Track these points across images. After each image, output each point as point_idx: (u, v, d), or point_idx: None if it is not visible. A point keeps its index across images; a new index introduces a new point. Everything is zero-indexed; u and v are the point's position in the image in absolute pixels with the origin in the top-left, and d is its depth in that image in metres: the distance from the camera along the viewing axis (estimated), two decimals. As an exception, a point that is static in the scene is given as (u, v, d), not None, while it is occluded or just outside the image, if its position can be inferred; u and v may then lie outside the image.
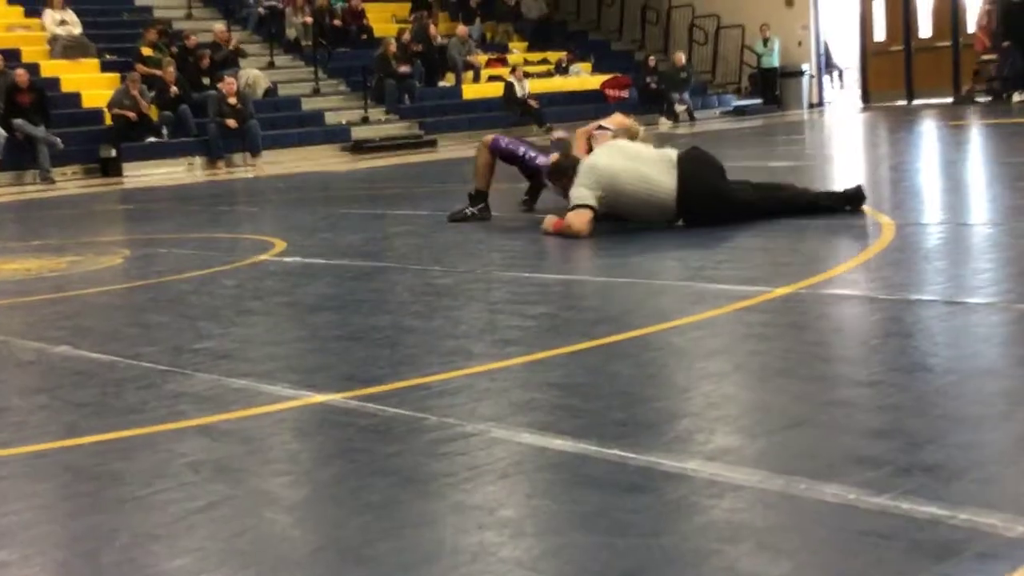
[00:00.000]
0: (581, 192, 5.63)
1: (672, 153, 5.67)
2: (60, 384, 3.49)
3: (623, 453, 2.38)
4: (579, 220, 5.64)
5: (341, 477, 2.41)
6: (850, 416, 2.56)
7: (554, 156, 6.47)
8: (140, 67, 16.72)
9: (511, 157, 6.87)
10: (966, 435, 2.38)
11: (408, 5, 22.19)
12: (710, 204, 5.54)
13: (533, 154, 6.76)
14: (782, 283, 4.14)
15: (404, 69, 18.67)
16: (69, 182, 15.10)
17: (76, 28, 17.74)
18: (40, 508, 2.38)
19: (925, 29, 21.64)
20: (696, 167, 5.59)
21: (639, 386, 2.97)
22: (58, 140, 15.18)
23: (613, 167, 5.58)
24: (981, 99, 19.21)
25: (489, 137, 7.07)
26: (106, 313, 4.89)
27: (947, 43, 21.20)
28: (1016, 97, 17.42)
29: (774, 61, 22.38)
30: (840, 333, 3.52)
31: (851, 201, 5.84)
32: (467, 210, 6.92)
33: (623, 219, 5.75)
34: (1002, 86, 18.57)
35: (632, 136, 6.51)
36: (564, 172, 6.07)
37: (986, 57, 19.63)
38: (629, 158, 5.61)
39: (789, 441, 2.42)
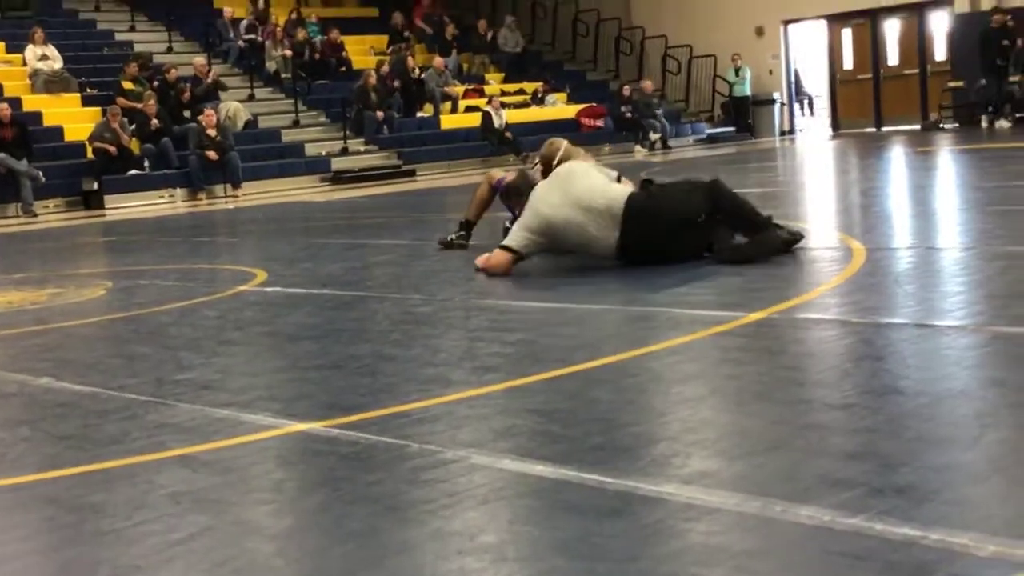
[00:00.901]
0: (518, 234, 5.62)
1: (620, 205, 5.42)
2: (42, 416, 3.50)
3: (602, 478, 2.41)
4: (499, 261, 5.66)
5: (323, 505, 2.43)
6: (824, 439, 2.60)
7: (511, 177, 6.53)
8: (121, 100, 16.75)
9: (508, 208, 6.83)
10: (938, 457, 2.42)
11: (386, 38, 22.31)
12: (650, 254, 5.42)
13: None
14: (756, 308, 4.18)
15: (379, 114, 18.73)
16: (51, 215, 15.08)
17: (57, 63, 17.77)
18: (21, 540, 2.38)
19: (893, 57, 21.92)
20: (641, 223, 5.38)
21: (617, 411, 3.00)
22: (40, 174, 15.17)
23: (557, 217, 5.49)
24: (948, 126, 19.44)
25: (497, 176, 6.95)
26: (88, 345, 4.90)
27: (914, 71, 21.48)
28: (997, 123, 17.53)
29: (746, 90, 22.62)
30: (813, 357, 3.57)
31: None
32: (450, 236, 6.98)
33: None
34: (975, 112, 18.80)
35: None
36: (519, 193, 6.11)
37: (953, 84, 19.90)
38: (576, 207, 5.45)
39: (765, 464, 2.45)
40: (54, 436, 3.23)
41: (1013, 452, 2.43)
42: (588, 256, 5.60)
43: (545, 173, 6.05)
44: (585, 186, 5.54)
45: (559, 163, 5.95)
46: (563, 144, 6.22)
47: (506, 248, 5.64)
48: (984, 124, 17.88)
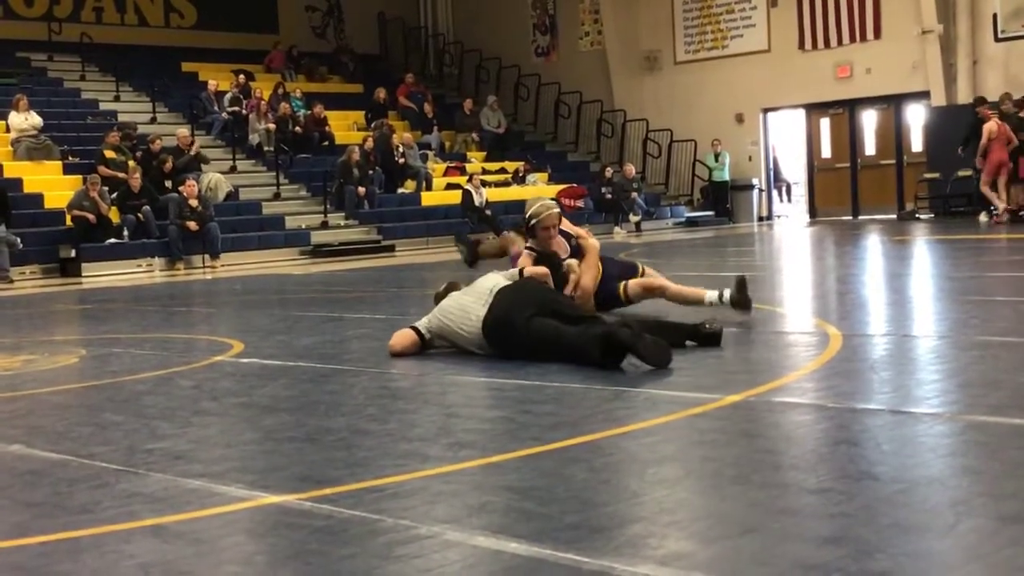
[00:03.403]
0: (425, 318, 5.75)
1: (501, 284, 5.53)
2: (11, 483, 3.45)
3: (577, 557, 2.40)
4: (396, 338, 5.74)
5: (294, 579, 2.40)
6: (800, 523, 2.60)
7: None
8: (102, 169, 16.79)
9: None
10: (914, 544, 2.42)
11: (369, 114, 22.53)
12: (502, 331, 5.33)
13: None
14: (733, 391, 4.20)
15: (361, 190, 18.87)
16: (27, 281, 15.01)
17: (40, 130, 17.83)
18: (-14, 609, 2.35)
19: (870, 147, 22.33)
20: (506, 296, 5.41)
21: (593, 490, 2.99)
22: (18, 240, 15.14)
23: (446, 302, 5.65)
24: (924, 216, 19.70)
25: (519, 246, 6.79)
26: (60, 412, 4.84)
27: (891, 161, 21.87)
28: (983, 217, 17.71)
29: (725, 175, 22.96)
30: (790, 441, 3.57)
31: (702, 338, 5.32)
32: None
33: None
34: (950, 204, 19.01)
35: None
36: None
37: (929, 175, 20.22)
38: (466, 292, 5.62)
39: (740, 547, 2.45)
40: (23, 503, 3.18)
41: (988, 540, 2.44)
42: (465, 339, 5.50)
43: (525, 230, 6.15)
44: (488, 280, 5.64)
45: (527, 224, 6.09)
46: (538, 204, 6.23)
47: (411, 327, 5.74)
48: (983, 218, 17.67)
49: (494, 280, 5.63)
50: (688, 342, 5.32)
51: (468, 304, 5.51)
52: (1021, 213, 16.92)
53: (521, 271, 5.83)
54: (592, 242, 6.43)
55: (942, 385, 4.26)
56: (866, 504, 2.71)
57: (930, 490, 2.84)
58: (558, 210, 6.26)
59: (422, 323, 5.74)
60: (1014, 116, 17.59)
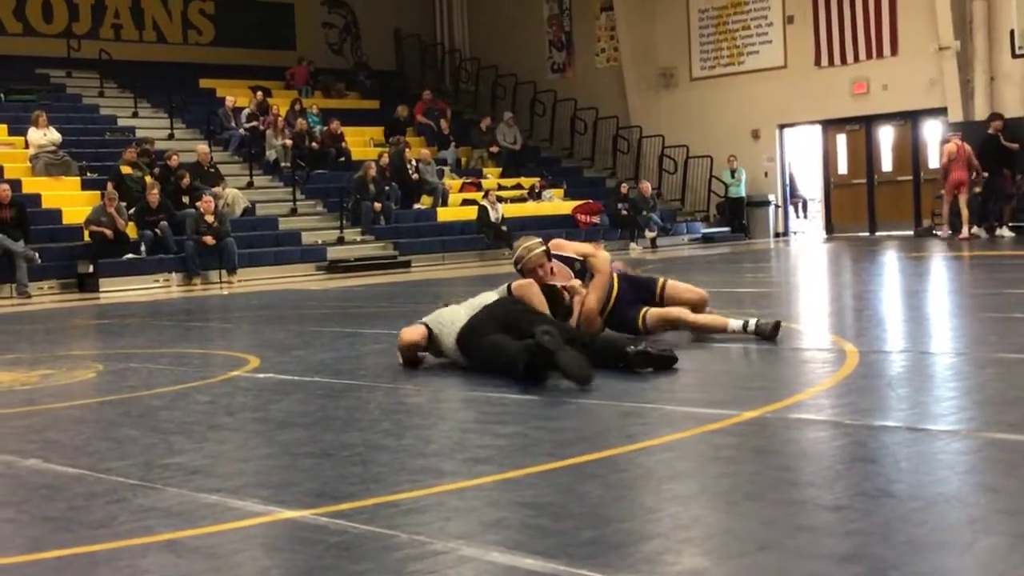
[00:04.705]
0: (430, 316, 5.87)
1: (490, 300, 5.68)
2: (28, 498, 3.47)
3: (592, 573, 2.39)
4: (406, 332, 5.84)
5: (309, 594, 2.40)
6: (816, 540, 2.59)
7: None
8: (110, 186, 16.82)
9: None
10: (930, 562, 2.41)
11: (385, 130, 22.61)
12: (468, 343, 5.45)
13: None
14: (749, 407, 4.19)
15: (377, 205, 18.92)
16: (45, 296, 15.09)
17: (59, 146, 17.96)
18: (3, 622, 2.35)
19: (887, 164, 22.26)
20: (480, 312, 5.54)
21: (608, 506, 2.98)
22: (36, 255, 15.23)
23: (444, 310, 5.79)
24: (941, 232, 19.63)
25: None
26: (77, 427, 4.86)
27: (908, 177, 21.79)
28: (1003, 232, 17.61)
29: (741, 191, 22.92)
30: (806, 457, 3.56)
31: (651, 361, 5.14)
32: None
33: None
34: (980, 220, 18.96)
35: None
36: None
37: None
38: (462, 305, 5.75)
39: (756, 564, 2.44)
40: (40, 518, 3.20)
41: (1005, 558, 2.42)
42: (448, 352, 5.63)
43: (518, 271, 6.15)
44: (484, 296, 5.78)
45: (517, 269, 6.13)
46: (520, 248, 6.22)
47: (420, 323, 5.83)
48: (1002, 233, 17.70)
49: (485, 297, 5.76)
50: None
51: (460, 316, 5.64)
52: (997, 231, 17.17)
53: (509, 286, 5.83)
54: (601, 262, 6.29)
55: (959, 402, 4.24)
56: (883, 522, 2.70)
57: (947, 508, 2.83)
58: (543, 248, 6.20)
59: (430, 318, 5.83)
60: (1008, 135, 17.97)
